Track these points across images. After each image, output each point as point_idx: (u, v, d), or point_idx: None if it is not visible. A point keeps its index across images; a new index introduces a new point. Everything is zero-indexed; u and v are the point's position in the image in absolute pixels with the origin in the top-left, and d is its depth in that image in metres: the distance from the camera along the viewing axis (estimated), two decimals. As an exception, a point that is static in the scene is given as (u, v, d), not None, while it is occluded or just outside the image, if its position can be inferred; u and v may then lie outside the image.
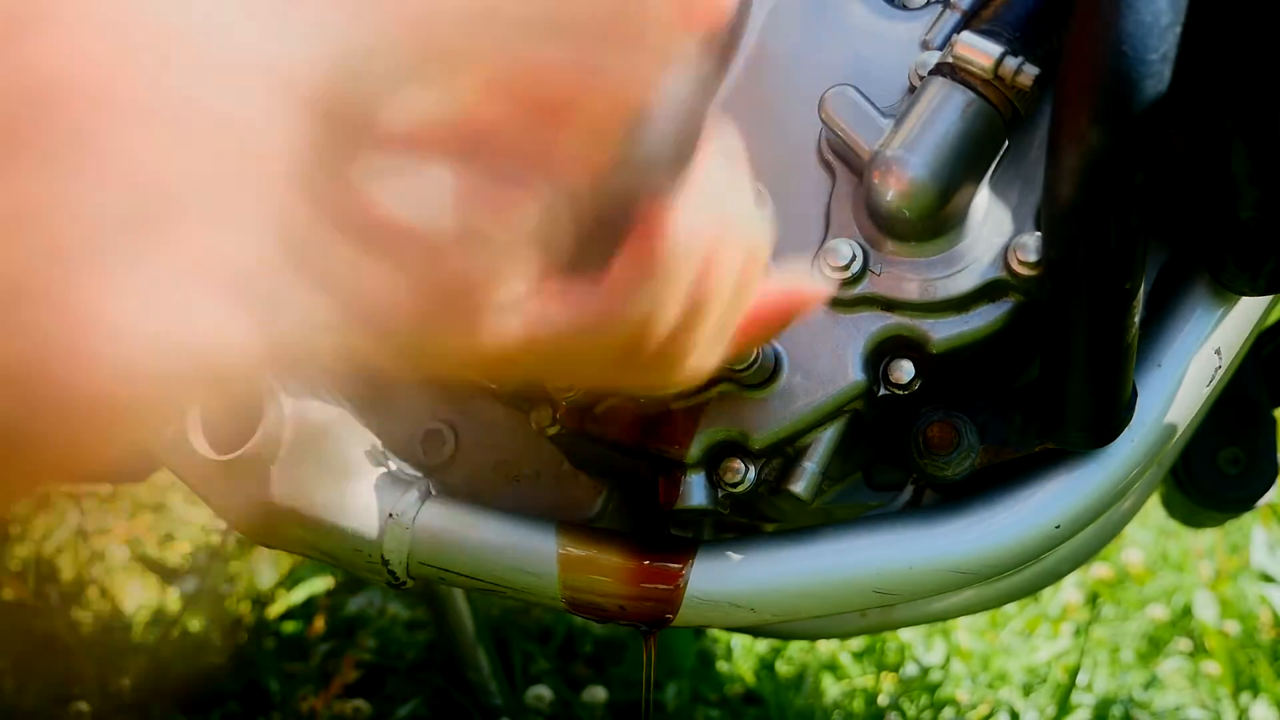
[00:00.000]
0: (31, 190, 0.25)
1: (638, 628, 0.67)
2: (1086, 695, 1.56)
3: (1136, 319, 0.55)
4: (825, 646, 1.65)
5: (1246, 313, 0.64)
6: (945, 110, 0.57)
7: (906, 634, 1.69)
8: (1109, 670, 1.68)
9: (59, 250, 0.26)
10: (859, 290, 0.60)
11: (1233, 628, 1.76)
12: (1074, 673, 1.49)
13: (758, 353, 0.58)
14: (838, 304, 0.61)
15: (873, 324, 0.61)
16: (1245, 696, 1.57)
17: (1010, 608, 1.82)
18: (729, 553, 0.65)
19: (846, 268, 0.59)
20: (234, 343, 0.28)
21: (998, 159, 0.60)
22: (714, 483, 0.62)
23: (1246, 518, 1.82)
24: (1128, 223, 0.50)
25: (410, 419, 0.76)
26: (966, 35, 0.57)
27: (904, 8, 0.64)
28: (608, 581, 0.65)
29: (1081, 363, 0.55)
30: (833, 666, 1.63)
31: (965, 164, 0.58)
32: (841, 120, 0.60)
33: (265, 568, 1.73)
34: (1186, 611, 1.88)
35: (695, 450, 0.61)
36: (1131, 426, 0.60)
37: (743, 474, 0.61)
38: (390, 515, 0.67)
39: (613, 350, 0.39)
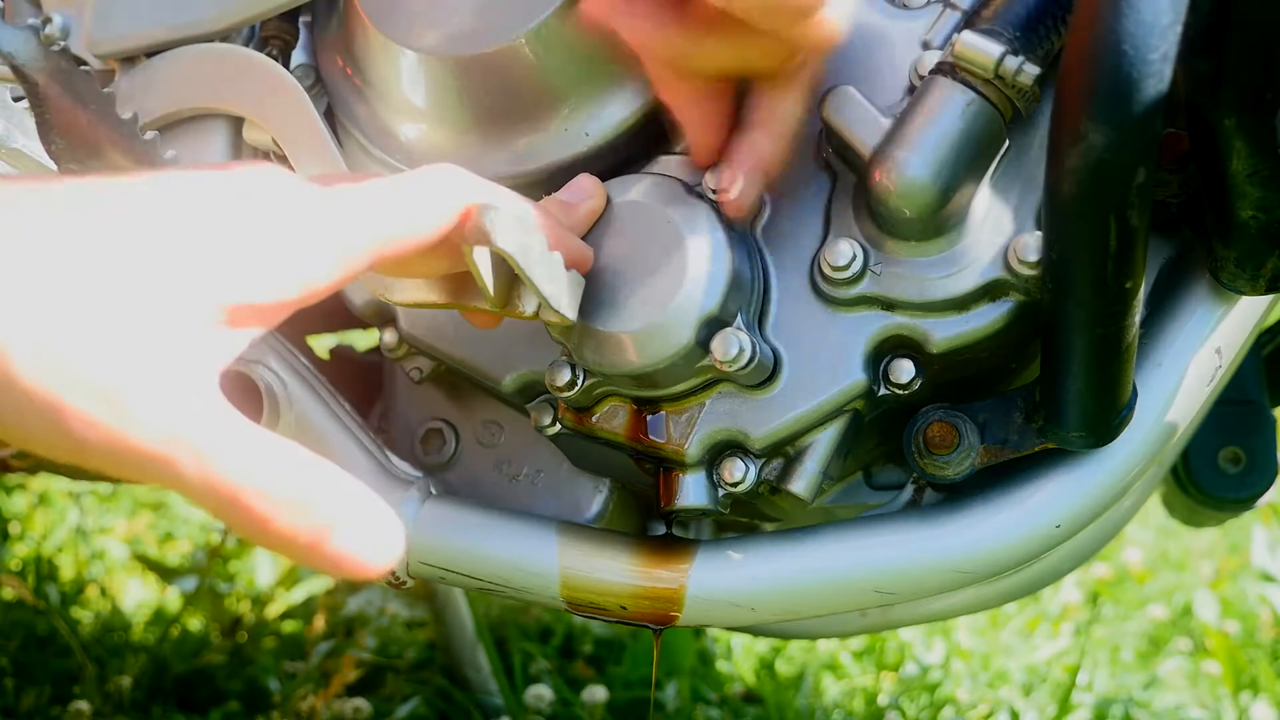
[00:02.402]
0: None
1: (642, 628, 0.67)
2: (1086, 695, 1.56)
3: (1136, 319, 0.55)
4: (825, 646, 1.65)
5: (1246, 313, 0.64)
6: (946, 110, 0.57)
7: (906, 634, 1.69)
8: (1109, 670, 1.69)
9: None
10: (859, 290, 0.60)
11: (1233, 627, 1.76)
12: (1074, 672, 1.49)
13: (756, 351, 0.58)
14: (838, 303, 0.61)
15: (873, 323, 0.60)
16: (1245, 696, 1.57)
17: (1010, 608, 1.82)
18: (729, 553, 0.65)
19: (846, 267, 0.59)
20: None
21: (998, 159, 0.60)
22: (714, 482, 0.62)
23: (1246, 518, 1.82)
24: (1128, 223, 0.50)
25: (410, 419, 0.76)
26: (967, 35, 0.57)
27: (904, 7, 0.64)
28: (608, 582, 0.65)
29: (1081, 363, 0.55)
30: (833, 666, 1.63)
31: (965, 164, 0.57)
32: (842, 120, 0.60)
33: (264, 567, 1.73)
34: (1186, 611, 1.88)
35: (695, 450, 0.61)
36: (1131, 426, 0.60)
37: (743, 473, 0.61)
38: (390, 515, 0.67)
39: None
